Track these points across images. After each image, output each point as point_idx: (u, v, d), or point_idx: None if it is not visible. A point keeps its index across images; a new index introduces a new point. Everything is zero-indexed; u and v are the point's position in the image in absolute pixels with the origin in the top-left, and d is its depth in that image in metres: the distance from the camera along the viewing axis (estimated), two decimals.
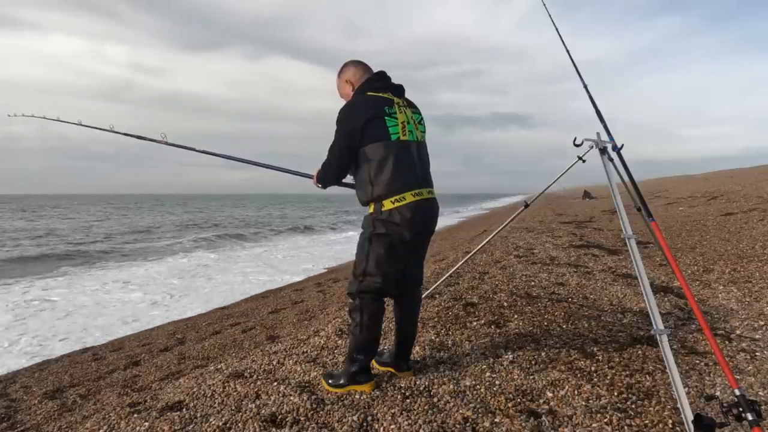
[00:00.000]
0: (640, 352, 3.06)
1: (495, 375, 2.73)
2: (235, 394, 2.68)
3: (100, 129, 3.55)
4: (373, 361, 2.75)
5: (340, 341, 3.36)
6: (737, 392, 1.97)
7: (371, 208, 2.48)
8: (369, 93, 2.53)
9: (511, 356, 2.96)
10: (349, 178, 2.65)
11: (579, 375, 2.70)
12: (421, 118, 2.64)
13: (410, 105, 2.61)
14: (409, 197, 2.42)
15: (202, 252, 16.99)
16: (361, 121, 2.41)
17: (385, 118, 2.44)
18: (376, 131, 2.42)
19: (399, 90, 2.59)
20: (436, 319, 3.65)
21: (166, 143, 3.27)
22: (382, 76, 2.59)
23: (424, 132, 2.64)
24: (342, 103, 2.60)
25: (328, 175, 2.62)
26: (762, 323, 3.69)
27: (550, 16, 3.18)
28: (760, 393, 2.56)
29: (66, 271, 13.03)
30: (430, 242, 2.72)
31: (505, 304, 4.05)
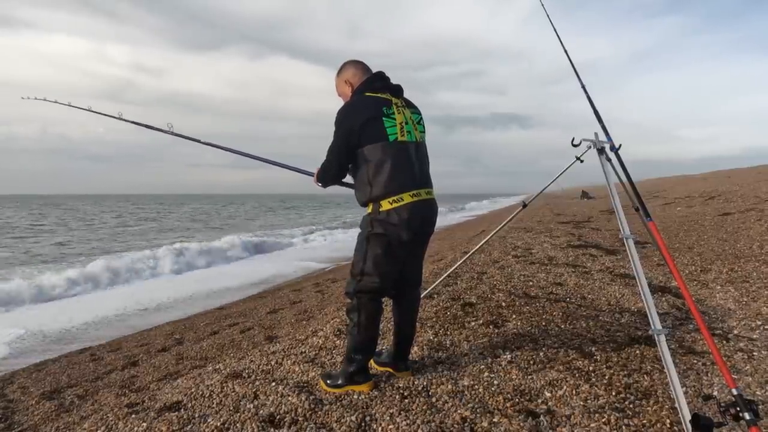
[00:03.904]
0: (638, 351, 3.07)
1: (493, 375, 2.73)
2: (233, 394, 2.68)
3: (109, 116, 3.68)
4: (372, 361, 2.75)
5: (338, 341, 3.35)
6: (735, 392, 1.98)
7: (369, 209, 2.48)
8: (367, 93, 2.52)
9: (509, 356, 2.96)
10: (349, 179, 2.66)
11: (577, 375, 2.70)
12: (421, 119, 2.63)
13: (409, 105, 2.60)
14: (407, 198, 2.42)
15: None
16: (358, 122, 2.41)
17: (383, 118, 2.44)
18: (374, 132, 2.42)
19: (398, 90, 2.58)
20: (434, 319, 3.65)
21: (172, 133, 3.36)
22: (381, 76, 2.59)
23: (424, 132, 2.64)
24: (341, 103, 2.60)
25: (328, 175, 2.63)
26: (759, 323, 3.70)
27: (548, 16, 3.18)
28: (758, 392, 2.57)
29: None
30: (428, 242, 2.73)
31: (504, 304, 4.05)
